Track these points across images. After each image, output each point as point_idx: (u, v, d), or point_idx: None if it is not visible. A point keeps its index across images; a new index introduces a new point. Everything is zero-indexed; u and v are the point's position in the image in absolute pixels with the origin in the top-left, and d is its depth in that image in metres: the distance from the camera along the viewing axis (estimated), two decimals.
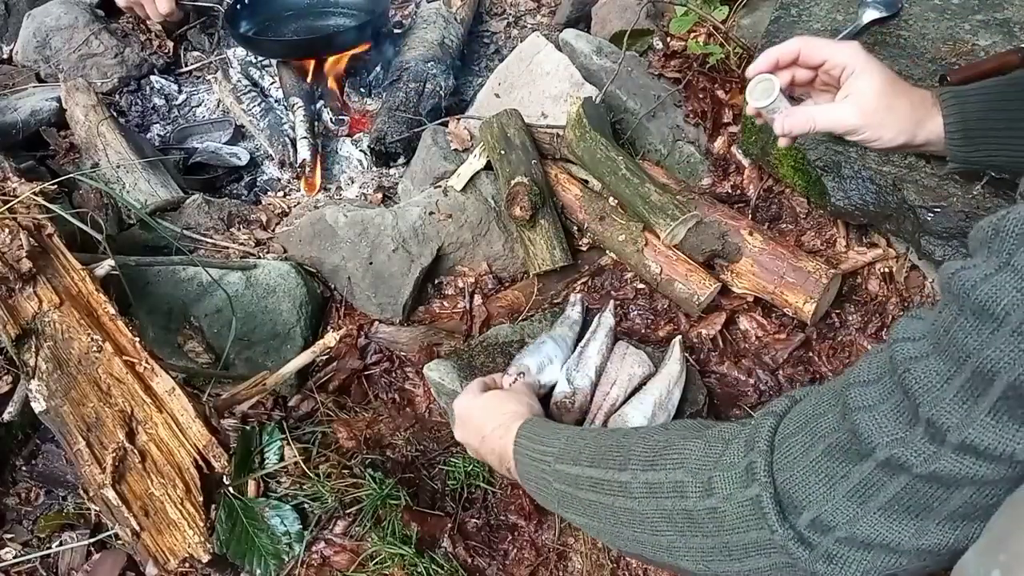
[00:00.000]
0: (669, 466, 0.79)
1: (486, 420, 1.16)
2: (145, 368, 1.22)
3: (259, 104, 2.30)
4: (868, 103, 0.94)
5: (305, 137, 2.15)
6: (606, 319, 1.51)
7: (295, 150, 2.16)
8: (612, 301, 1.59)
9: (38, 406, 1.21)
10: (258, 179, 2.19)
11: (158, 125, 2.31)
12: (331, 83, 2.33)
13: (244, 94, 2.32)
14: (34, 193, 1.37)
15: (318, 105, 2.33)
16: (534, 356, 1.41)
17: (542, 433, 1.03)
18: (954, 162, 1.06)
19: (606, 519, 0.85)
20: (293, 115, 2.22)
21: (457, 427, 1.27)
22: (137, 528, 1.13)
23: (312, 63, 2.34)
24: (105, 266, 1.36)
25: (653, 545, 0.80)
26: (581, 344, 1.46)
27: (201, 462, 1.15)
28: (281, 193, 2.11)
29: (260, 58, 2.43)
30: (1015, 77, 1.01)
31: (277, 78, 2.38)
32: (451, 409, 1.32)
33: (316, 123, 2.26)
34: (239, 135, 2.29)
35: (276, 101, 2.35)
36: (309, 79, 2.32)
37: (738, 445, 0.73)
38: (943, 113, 0.97)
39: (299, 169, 2.12)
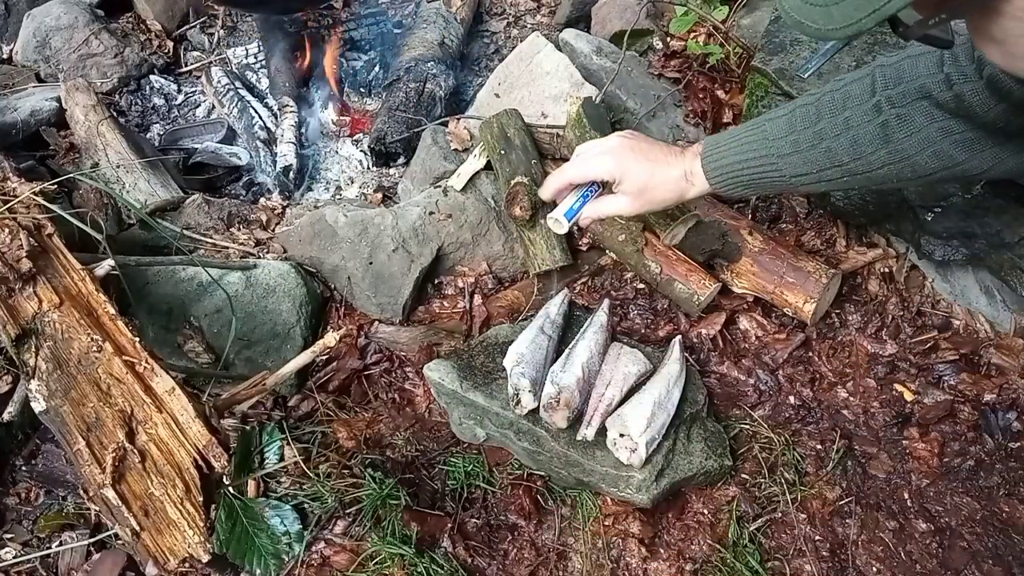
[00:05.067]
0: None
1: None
2: (145, 368, 1.22)
3: (237, 104, 2.23)
4: (633, 193, 1.18)
5: (291, 142, 2.08)
6: (599, 317, 1.51)
7: (271, 151, 2.08)
8: (607, 300, 1.60)
9: (38, 406, 1.21)
10: (256, 179, 2.19)
11: (158, 125, 2.31)
12: (331, 82, 2.32)
13: (224, 96, 2.27)
14: (34, 193, 1.37)
15: (317, 105, 2.32)
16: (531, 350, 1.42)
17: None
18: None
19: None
20: (281, 117, 2.17)
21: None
22: (137, 528, 1.13)
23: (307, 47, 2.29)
24: (105, 266, 1.36)
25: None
26: (571, 345, 1.46)
27: (201, 462, 1.15)
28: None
29: (259, 57, 2.42)
30: (754, 125, 1.16)
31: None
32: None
33: (304, 127, 2.20)
34: (232, 135, 2.27)
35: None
36: (300, 63, 2.26)
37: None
38: (704, 169, 1.17)
39: (280, 174, 2.04)
